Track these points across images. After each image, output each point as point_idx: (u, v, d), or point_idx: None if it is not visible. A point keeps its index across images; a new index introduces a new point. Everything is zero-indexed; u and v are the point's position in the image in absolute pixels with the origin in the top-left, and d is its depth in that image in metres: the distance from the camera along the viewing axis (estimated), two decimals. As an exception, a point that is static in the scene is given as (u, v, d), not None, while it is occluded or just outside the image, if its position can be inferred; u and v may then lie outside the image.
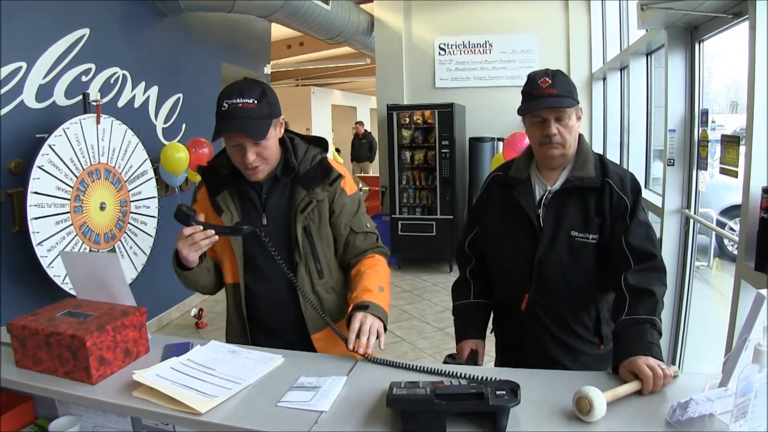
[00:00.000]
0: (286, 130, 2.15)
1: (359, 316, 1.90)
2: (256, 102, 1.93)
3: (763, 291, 1.32)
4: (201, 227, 1.93)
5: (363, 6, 9.38)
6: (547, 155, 2.04)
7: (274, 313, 2.16)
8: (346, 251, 2.21)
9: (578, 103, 2.03)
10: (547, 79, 1.97)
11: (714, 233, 4.27)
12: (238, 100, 1.91)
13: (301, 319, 2.13)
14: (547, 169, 2.11)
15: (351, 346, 1.84)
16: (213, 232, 1.94)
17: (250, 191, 2.12)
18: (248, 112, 1.92)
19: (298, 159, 2.12)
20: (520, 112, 2.03)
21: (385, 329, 1.96)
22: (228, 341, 2.22)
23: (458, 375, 1.70)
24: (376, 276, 2.10)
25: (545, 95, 1.97)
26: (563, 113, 1.97)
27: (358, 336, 1.85)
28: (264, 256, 2.09)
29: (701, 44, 3.69)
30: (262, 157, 1.99)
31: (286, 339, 2.11)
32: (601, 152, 7.04)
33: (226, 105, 1.92)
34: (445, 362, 2.10)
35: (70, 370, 1.72)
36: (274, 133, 2.01)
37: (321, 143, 2.22)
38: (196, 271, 2.07)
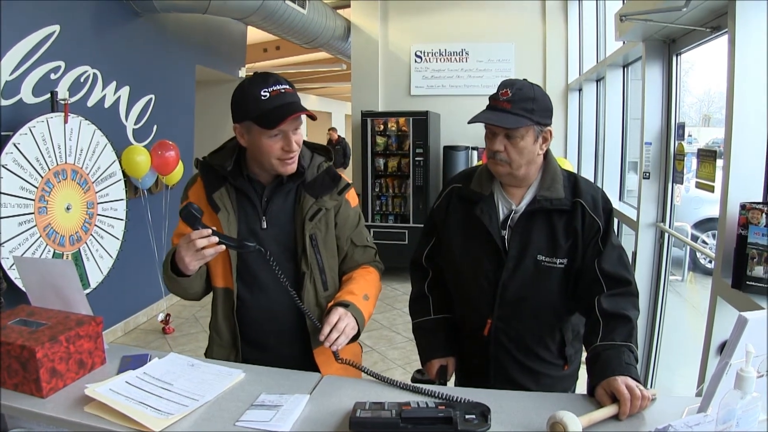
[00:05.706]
0: None
1: (339, 311, 1.84)
2: (292, 88, 1.89)
3: (746, 314, 1.26)
4: (208, 232, 1.77)
5: (340, 11, 9.34)
6: (493, 170, 1.96)
7: (268, 325, 2.03)
8: (343, 263, 2.13)
9: (538, 124, 1.88)
10: (508, 92, 1.85)
11: (688, 246, 4.26)
12: (279, 87, 1.85)
13: (298, 333, 2.01)
14: (506, 185, 2.01)
15: (322, 338, 1.79)
16: (216, 240, 1.77)
17: (251, 191, 1.99)
18: (294, 96, 1.87)
19: (305, 165, 2.03)
20: (469, 120, 1.93)
21: (357, 337, 1.89)
22: (212, 352, 2.08)
23: (427, 393, 1.65)
24: (365, 284, 2.04)
25: (497, 108, 1.87)
26: (514, 131, 1.85)
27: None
28: (261, 263, 1.95)
29: (678, 57, 3.70)
30: (299, 145, 1.92)
31: (278, 353, 2.01)
32: (576, 162, 7.13)
33: (267, 94, 1.83)
34: (413, 378, 2.03)
35: (19, 383, 1.64)
36: None
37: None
38: (192, 278, 1.90)
